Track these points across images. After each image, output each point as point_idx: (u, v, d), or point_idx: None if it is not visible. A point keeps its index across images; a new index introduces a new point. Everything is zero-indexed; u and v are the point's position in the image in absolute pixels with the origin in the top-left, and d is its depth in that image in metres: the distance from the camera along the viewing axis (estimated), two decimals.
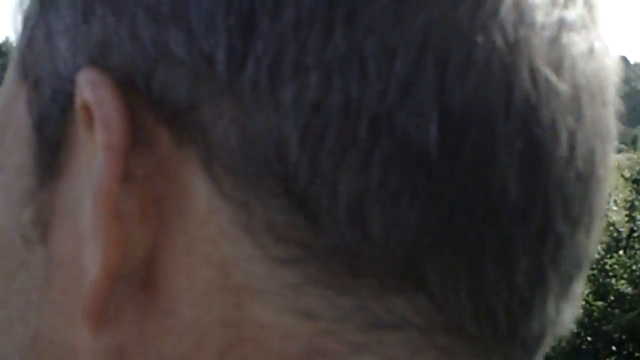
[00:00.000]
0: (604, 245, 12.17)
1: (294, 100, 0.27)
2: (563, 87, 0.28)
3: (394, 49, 0.27)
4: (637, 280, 12.39)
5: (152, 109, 0.28)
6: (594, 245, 0.32)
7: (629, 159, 16.71)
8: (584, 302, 10.77)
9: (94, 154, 0.29)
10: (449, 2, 0.27)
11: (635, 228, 13.47)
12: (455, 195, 0.27)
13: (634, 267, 12.60)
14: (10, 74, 0.34)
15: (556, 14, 0.29)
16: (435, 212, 0.27)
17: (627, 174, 14.32)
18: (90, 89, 0.28)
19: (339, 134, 0.27)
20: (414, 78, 0.27)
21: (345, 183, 0.27)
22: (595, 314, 12.07)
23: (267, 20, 0.27)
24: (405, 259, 0.28)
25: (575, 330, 10.99)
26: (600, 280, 12.39)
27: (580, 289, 0.33)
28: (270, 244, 0.28)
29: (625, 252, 13.08)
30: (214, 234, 0.28)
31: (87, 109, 0.29)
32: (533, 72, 0.28)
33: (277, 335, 0.28)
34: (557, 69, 0.28)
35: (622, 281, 12.42)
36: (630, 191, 14.03)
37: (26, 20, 0.33)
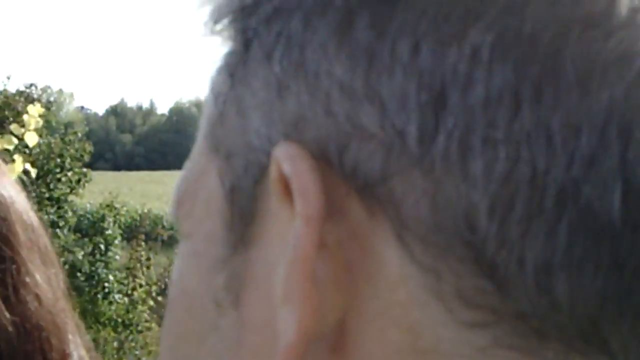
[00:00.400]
0: None
1: (483, 171, 0.27)
2: None
3: (579, 125, 0.27)
4: None
5: (345, 180, 0.29)
6: None
7: None
8: None
9: (289, 223, 0.30)
10: (631, 80, 0.28)
11: None
12: (638, 264, 0.28)
13: None
14: (199, 147, 0.36)
15: None
16: (618, 280, 0.28)
17: None
18: (289, 162, 0.29)
19: (526, 203, 0.27)
20: (598, 152, 0.27)
21: (533, 250, 0.28)
22: None
23: (458, 97, 0.28)
24: (590, 324, 0.28)
25: None
26: None
27: None
28: (459, 308, 0.28)
29: None
30: (404, 299, 0.29)
31: (283, 181, 0.30)
32: None
33: None
34: None
35: None
36: None
37: (216, 96, 0.34)
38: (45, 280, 0.69)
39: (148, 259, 10.50)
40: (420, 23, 0.29)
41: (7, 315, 0.65)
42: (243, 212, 0.32)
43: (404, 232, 0.28)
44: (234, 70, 0.33)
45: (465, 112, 0.28)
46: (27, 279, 0.67)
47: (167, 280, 10.35)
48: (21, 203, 0.71)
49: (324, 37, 0.30)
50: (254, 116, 0.32)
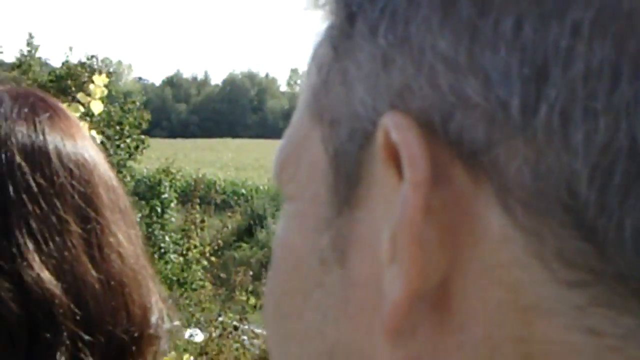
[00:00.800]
0: None
1: (584, 141, 0.28)
2: None
3: None
4: None
5: (449, 148, 0.30)
6: None
7: None
8: None
9: (394, 188, 0.30)
10: None
11: None
12: None
13: None
14: (301, 114, 0.36)
15: None
16: None
17: None
18: (397, 131, 0.30)
19: (625, 172, 0.27)
20: None
21: (631, 217, 0.27)
22: None
23: (559, 71, 0.28)
24: None
25: None
26: None
27: None
28: (559, 268, 0.28)
29: None
30: (506, 260, 0.29)
31: (390, 148, 0.30)
32: None
33: (565, 350, 0.29)
34: None
35: None
36: None
37: (320, 67, 0.35)
38: (126, 239, 0.70)
39: (202, 221, 10.58)
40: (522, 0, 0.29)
41: (94, 273, 0.66)
42: (348, 176, 0.33)
43: (507, 197, 0.29)
44: (337, 43, 0.34)
45: (567, 85, 0.28)
46: (111, 239, 0.68)
47: (219, 241, 10.45)
48: (103, 165, 0.72)
49: (428, 12, 0.30)
50: (359, 87, 0.32)
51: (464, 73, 0.29)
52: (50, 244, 0.64)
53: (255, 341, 7.48)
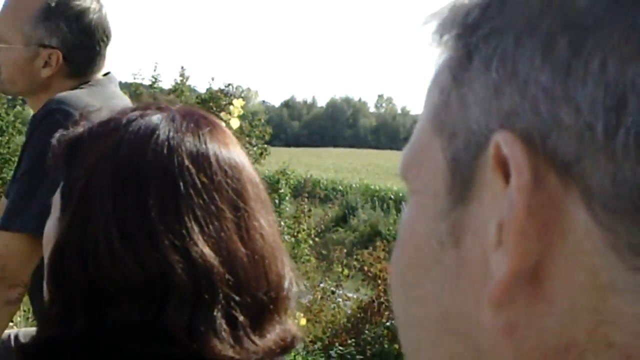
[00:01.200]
0: None
1: None
2: None
3: None
4: None
5: (546, 160, 0.30)
6: None
7: None
8: None
9: (501, 190, 0.30)
10: None
11: None
12: None
13: None
14: (423, 127, 0.36)
15: None
16: None
17: None
18: (506, 146, 0.30)
19: None
20: None
21: None
22: None
23: (635, 103, 0.27)
24: None
25: None
26: None
27: None
28: (630, 257, 0.28)
29: None
30: (588, 249, 0.29)
31: (499, 159, 0.30)
32: None
33: (632, 320, 0.28)
34: None
35: None
36: None
37: (441, 90, 0.34)
38: (266, 223, 0.70)
39: (309, 210, 10.62)
40: (607, 44, 0.28)
41: (242, 249, 0.66)
42: (462, 178, 0.33)
43: (590, 200, 0.29)
44: (456, 72, 0.34)
45: None
46: (255, 223, 0.68)
47: (322, 226, 10.50)
48: (249, 167, 0.73)
49: (531, 53, 0.30)
50: (475, 109, 0.32)
51: (560, 102, 0.29)
52: (210, 227, 0.65)
53: (348, 302, 7.49)
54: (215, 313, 0.63)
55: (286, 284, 0.70)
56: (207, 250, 0.64)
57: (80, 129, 0.72)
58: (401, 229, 0.38)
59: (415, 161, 0.36)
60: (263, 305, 0.67)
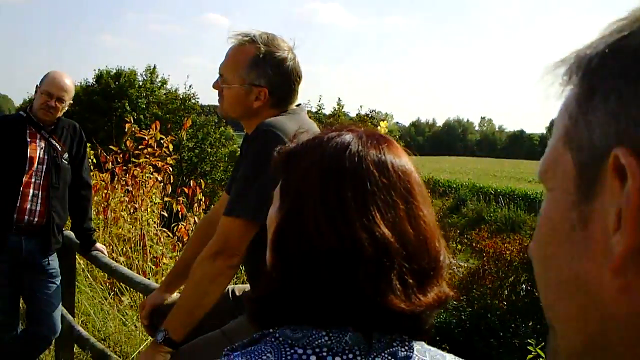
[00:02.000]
0: None
1: None
2: None
3: None
4: None
5: None
6: None
7: None
8: None
9: (618, 190, 0.30)
10: None
11: None
12: None
13: None
14: (556, 141, 0.36)
15: None
16: None
17: None
18: (624, 157, 0.30)
19: None
20: None
21: None
22: None
23: None
24: None
25: None
26: None
27: None
28: None
29: None
30: None
31: (617, 167, 0.30)
32: None
33: None
34: None
35: None
36: None
37: (570, 115, 0.34)
38: (427, 213, 0.69)
39: (432, 202, 10.43)
40: None
41: (411, 231, 0.66)
42: (588, 180, 0.32)
43: None
44: (581, 101, 0.33)
45: None
46: (420, 212, 0.67)
47: (441, 213, 10.21)
48: (414, 171, 0.71)
49: (637, 90, 0.30)
50: (597, 129, 0.32)
51: None
52: (388, 214, 0.65)
53: (460, 270, 7.26)
54: (392, 276, 0.63)
55: (442, 257, 0.68)
56: (386, 231, 0.64)
57: (294, 145, 0.74)
58: (541, 217, 0.37)
59: (551, 166, 0.36)
60: (425, 272, 0.66)
